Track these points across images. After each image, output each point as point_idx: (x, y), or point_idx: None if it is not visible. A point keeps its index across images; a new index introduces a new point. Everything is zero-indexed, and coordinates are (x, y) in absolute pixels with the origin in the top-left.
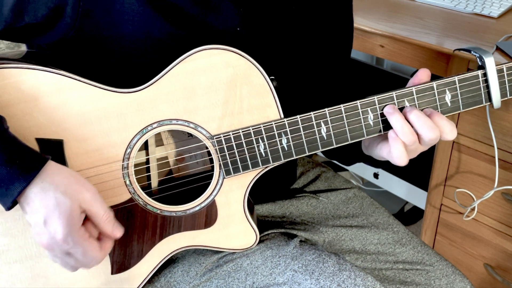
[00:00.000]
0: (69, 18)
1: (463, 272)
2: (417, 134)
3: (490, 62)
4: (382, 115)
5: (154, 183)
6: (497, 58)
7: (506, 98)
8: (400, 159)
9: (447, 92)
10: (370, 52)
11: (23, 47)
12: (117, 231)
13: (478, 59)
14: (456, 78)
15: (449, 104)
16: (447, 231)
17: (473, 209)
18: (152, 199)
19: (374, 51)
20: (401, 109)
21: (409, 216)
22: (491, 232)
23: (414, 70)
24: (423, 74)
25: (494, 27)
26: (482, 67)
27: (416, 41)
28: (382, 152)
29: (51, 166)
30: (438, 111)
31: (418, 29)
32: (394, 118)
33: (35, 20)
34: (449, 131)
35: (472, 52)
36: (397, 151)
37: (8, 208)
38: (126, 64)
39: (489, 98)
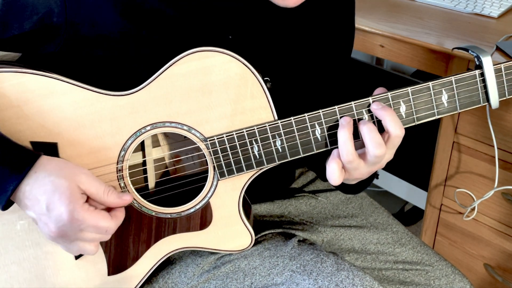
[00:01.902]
0: (56, 29)
1: (463, 272)
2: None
3: (487, 62)
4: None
5: (151, 184)
6: (497, 58)
7: (504, 98)
8: (333, 177)
9: (444, 92)
10: (370, 52)
11: None
12: (126, 197)
13: (475, 59)
14: (453, 78)
15: (446, 104)
16: (447, 231)
17: (473, 209)
18: (149, 200)
19: (374, 51)
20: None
21: (409, 216)
22: (491, 232)
23: (414, 70)
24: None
25: (494, 27)
26: (480, 66)
27: (416, 41)
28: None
29: (43, 159)
30: (435, 111)
31: (418, 29)
32: (342, 132)
33: (22, 31)
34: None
35: (470, 51)
36: (331, 169)
37: (3, 207)
38: (116, 69)
39: (487, 98)
